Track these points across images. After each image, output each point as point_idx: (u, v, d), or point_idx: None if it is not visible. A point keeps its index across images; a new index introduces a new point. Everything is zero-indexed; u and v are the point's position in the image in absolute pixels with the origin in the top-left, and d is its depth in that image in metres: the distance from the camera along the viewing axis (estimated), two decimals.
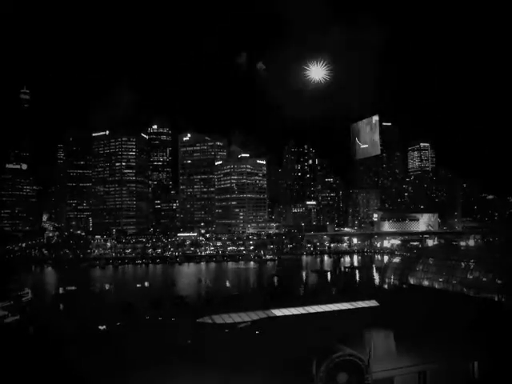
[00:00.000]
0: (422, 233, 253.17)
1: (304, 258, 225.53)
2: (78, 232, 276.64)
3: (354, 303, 54.71)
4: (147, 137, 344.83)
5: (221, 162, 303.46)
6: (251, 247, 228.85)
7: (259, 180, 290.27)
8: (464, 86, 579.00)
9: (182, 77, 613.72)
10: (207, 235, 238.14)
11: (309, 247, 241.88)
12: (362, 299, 56.25)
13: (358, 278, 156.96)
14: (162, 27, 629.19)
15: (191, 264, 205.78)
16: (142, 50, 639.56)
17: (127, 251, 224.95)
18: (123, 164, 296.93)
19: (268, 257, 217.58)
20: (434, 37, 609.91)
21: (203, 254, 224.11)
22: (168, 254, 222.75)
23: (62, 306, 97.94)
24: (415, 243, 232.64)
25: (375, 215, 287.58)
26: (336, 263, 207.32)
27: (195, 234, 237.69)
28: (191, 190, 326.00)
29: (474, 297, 49.34)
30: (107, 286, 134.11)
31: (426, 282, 57.41)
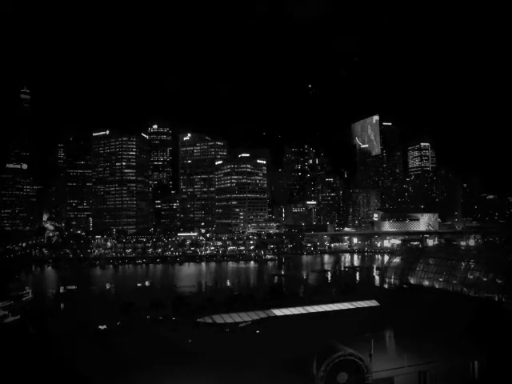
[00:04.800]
0: (422, 232, 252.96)
1: (304, 257, 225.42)
2: (78, 232, 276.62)
3: (354, 303, 54.77)
4: (147, 137, 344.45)
5: (221, 162, 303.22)
6: (251, 247, 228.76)
7: (259, 180, 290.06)
8: (464, 86, 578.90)
9: (182, 76, 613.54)
10: (207, 235, 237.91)
11: (309, 247, 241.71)
12: (362, 299, 56.28)
13: (358, 277, 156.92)
14: (162, 27, 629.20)
15: (191, 264, 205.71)
16: (143, 50, 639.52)
17: (127, 251, 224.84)
18: (123, 164, 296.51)
19: (268, 256, 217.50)
20: (434, 36, 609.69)
21: (203, 253, 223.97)
22: (168, 253, 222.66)
23: (62, 306, 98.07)
24: (415, 243, 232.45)
25: (375, 215, 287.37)
26: (336, 263, 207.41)
27: (195, 234, 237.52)
28: (191, 189, 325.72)
29: (474, 297, 49.32)
30: (108, 286, 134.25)
31: (426, 282, 57.39)
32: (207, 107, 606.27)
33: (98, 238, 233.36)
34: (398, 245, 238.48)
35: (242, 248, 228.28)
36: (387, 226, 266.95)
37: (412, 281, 59.72)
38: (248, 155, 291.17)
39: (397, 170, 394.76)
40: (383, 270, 73.68)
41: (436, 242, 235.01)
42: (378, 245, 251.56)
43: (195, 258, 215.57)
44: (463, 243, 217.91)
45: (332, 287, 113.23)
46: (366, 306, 53.98)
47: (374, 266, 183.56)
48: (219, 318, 49.24)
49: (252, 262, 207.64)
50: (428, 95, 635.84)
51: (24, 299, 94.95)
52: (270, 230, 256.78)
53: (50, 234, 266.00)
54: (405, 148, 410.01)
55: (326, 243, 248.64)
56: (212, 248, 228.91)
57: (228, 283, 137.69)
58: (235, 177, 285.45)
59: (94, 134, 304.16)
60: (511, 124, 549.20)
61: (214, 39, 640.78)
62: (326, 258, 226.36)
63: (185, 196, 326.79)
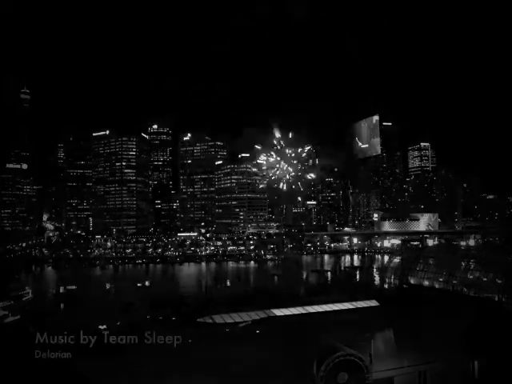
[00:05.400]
0: (422, 233, 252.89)
1: (304, 257, 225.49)
2: (78, 232, 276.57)
3: (354, 303, 54.72)
4: (147, 136, 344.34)
5: (221, 162, 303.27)
6: (251, 247, 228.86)
7: (259, 180, 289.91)
8: (464, 86, 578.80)
9: (182, 76, 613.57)
10: (207, 235, 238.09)
11: (309, 247, 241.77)
12: (362, 299, 56.26)
13: (358, 277, 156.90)
14: (162, 26, 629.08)
15: (191, 264, 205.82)
16: (143, 50, 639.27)
17: (127, 251, 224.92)
18: (123, 164, 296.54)
19: (268, 257, 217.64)
20: (434, 36, 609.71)
21: (203, 253, 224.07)
22: (168, 253, 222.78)
23: (62, 306, 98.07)
24: (415, 243, 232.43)
25: (375, 215, 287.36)
26: (336, 263, 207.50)
27: (195, 234, 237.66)
28: (191, 189, 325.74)
29: (474, 297, 49.35)
30: (108, 286, 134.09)
31: (426, 282, 57.44)
32: (207, 107, 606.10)
33: (98, 238, 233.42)
34: (397, 245, 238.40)
35: (242, 248, 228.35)
36: (387, 226, 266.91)
37: (412, 281, 59.76)
38: (248, 155, 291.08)
39: (397, 170, 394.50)
40: (383, 270, 73.76)
41: (436, 242, 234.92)
42: (378, 245, 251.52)
43: (195, 258, 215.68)
44: (463, 243, 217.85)
45: (332, 287, 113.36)
46: (365, 305, 53.91)
47: (374, 266, 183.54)
48: (219, 318, 49.20)
49: (252, 262, 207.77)
50: (428, 95, 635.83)
51: (24, 299, 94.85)
52: (270, 230, 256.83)
53: (50, 234, 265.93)
54: (405, 148, 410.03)
55: (326, 243, 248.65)
56: (212, 248, 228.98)
57: (228, 283, 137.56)
58: (235, 177, 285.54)
59: (93, 134, 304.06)
60: (511, 124, 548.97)
61: (213, 39, 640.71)
62: (326, 258, 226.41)
63: (185, 196, 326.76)
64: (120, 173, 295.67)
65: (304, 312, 51.58)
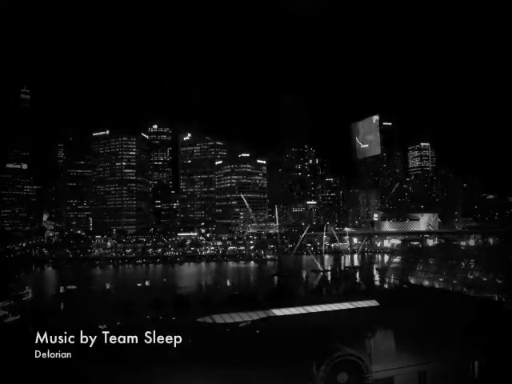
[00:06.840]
0: (422, 232, 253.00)
1: (304, 257, 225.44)
2: (78, 232, 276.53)
3: (354, 303, 54.64)
4: (147, 136, 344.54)
5: (221, 162, 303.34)
6: (251, 247, 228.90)
7: (259, 180, 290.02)
8: (464, 85, 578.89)
9: (182, 75, 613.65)
10: (207, 235, 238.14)
11: (309, 247, 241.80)
12: (362, 299, 56.19)
13: (358, 277, 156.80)
14: (162, 26, 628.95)
15: (191, 264, 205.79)
16: (143, 50, 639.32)
17: (127, 251, 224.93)
18: (123, 164, 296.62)
19: (268, 256, 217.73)
20: (434, 35, 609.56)
21: (203, 253, 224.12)
22: (168, 253, 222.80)
23: (62, 306, 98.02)
24: (415, 243, 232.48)
25: (375, 215, 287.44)
26: (336, 263, 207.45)
27: (195, 234, 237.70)
28: (191, 189, 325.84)
29: (474, 297, 49.33)
30: (108, 286, 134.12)
31: (426, 282, 57.41)
32: (207, 107, 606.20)
33: (98, 238, 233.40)
34: (397, 245, 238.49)
35: (242, 248, 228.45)
36: (387, 226, 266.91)
37: (412, 281, 59.74)
38: (248, 155, 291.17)
39: (397, 170, 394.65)
40: (383, 270, 73.80)
41: (436, 242, 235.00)
42: (378, 245, 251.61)
43: (195, 258, 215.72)
44: (463, 243, 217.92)
45: (332, 287, 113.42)
46: (365, 305, 53.82)
47: (374, 266, 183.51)
48: (219, 318, 49.14)
49: (252, 262, 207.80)
50: (428, 95, 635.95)
51: (24, 299, 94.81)
52: (269, 230, 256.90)
53: (50, 234, 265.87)
54: (405, 148, 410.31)
55: (326, 243, 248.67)
56: (212, 248, 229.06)
57: (228, 283, 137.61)
58: (235, 177, 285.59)
59: (93, 134, 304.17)
60: (511, 124, 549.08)
61: (214, 39, 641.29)
62: (326, 257, 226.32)
63: (185, 196, 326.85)
64: (120, 173, 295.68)
65: (304, 312, 51.50)
